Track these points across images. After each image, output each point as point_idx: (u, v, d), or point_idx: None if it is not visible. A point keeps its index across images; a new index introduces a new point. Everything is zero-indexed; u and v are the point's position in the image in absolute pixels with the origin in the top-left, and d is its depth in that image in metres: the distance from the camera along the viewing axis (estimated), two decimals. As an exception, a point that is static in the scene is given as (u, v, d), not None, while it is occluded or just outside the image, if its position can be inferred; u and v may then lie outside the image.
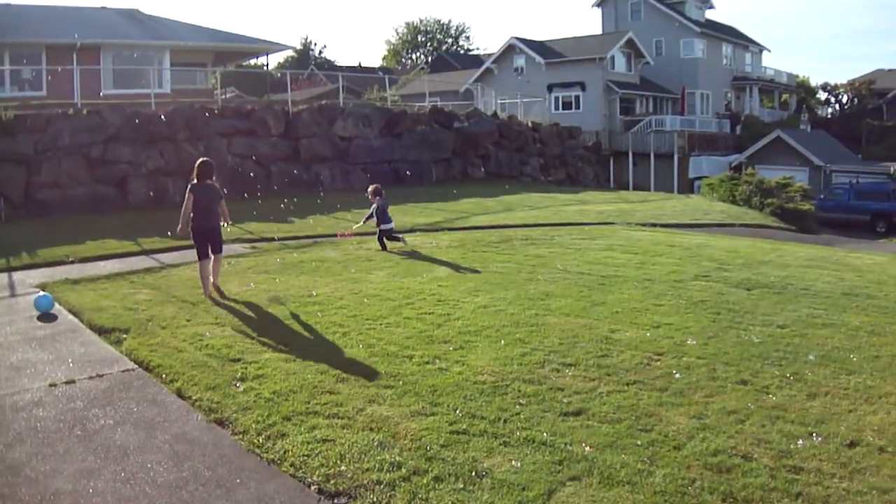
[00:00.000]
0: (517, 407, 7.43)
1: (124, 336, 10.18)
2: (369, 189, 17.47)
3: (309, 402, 7.54)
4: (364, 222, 17.58)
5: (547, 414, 7.26)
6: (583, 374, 8.35)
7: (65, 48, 32.96)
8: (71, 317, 11.47)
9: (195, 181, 12.64)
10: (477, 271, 13.96)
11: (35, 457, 6.60)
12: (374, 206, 16.87)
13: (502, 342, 9.46)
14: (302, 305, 11.57)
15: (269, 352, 9.27)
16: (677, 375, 8.29)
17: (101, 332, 10.49)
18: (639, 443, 6.58)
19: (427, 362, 8.74)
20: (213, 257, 12.77)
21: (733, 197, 32.11)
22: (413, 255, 15.91)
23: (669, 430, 6.84)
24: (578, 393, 7.81)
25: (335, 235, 18.81)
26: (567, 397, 7.69)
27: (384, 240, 16.81)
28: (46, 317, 11.53)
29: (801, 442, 6.59)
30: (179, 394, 7.99)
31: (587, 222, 22.00)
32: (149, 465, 6.38)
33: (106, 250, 17.24)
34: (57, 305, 12.08)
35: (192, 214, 12.60)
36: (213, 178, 12.89)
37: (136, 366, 8.99)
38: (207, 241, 12.70)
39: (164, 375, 8.54)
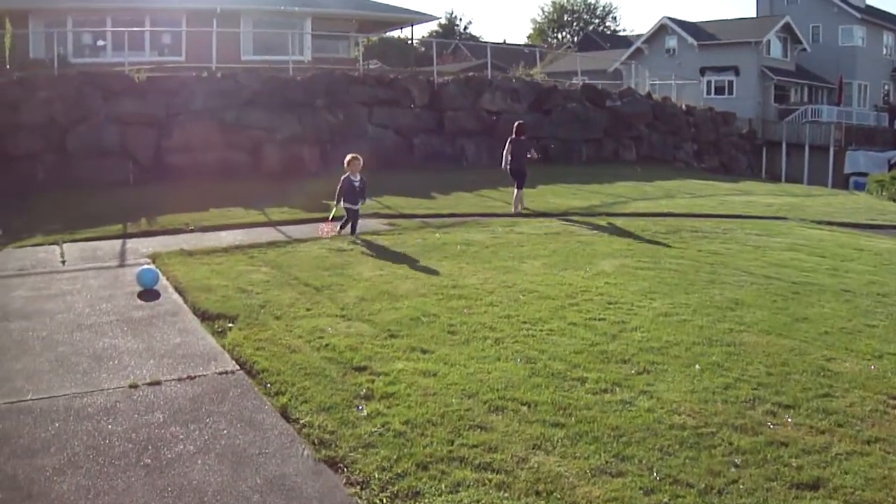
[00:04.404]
0: (732, 470, 5.40)
1: (230, 325, 8.50)
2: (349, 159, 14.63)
3: (453, 442, 5.61)
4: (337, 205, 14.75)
5: (773, 483, 5.22)
6: (807, 423, 6.25)
7: (205, 13, 32.14)
8: (175, 296, 9.90)
9: (513, 136, 18.40)
10: (648, 267, 11.86)
11: (86, 494, 4.92)
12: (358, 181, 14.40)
13: (696, 367, 7.38)
14: (445, 299, 9.65)
15: (404, 359, 7.37)
16: (928, 431, 6.13)
17: (205, 317, 8.84)
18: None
19: (605, 390, 6.72)
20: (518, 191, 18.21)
21: (907, 197, 29.14)
22: (571, 242, 13.89)
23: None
24: (808, 452, 5.72)
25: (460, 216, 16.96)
26: (795, 458, 5.61)
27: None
28: (148, 294, 10.03)
29: None
30: (284, 413, 6.16)
31: (757, 215, 19.63)
32: (229, 527, 4.59)
33: (230, 219, 15.87)
34: (163, 280, 10.60)
35: (510, 158, 18.22)
36: (525, 135, 18.69)
37: (237, 367, 7.23)
38: (519, 177, 18.28)
39: (268, 385, 6.73)
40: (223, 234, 14.55)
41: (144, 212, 16.28)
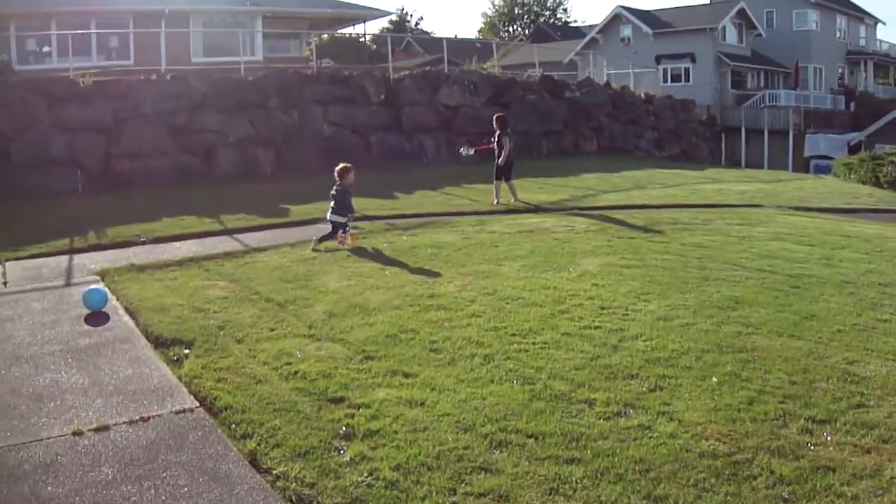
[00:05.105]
0: (782, 506, 4.68)
1: (186, 351, 7.60)
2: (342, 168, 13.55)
3: (455, 491, 4.78)
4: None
5: (832, 520, 4.51)
6: (849, 441, 5.54)
7: (153, 15, 31.28)
8: (126, 318, 8.99)
9: (502, 131, 17.88)
10: (634, 265, 11.09)
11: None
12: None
13: (713, 379, 6.61)
14: (423, 311, 8.79)
15: (385, 386, 6.52)
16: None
17: (159, 343, 7.94)
18: None
19: (618, 413, 5.93)
20: (510, 182, 18.09)
21: (876, 178, 28.66)
22: (547, 240, 13.10)
23: None
24: (859, 477, 5.02)
25: (445, 214, 16.14)
26: (847, 486, 4.92)
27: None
28: (96, 317, 9.10)
29: None
30: (254, 461, 5.30)
31: (732, 204, 19.01)
32: None
33: (184, 228, 14.91)
34: (113, 301, 9.68)
35: (508, 150, 17.72)
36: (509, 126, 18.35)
37: (196, 403, 6.34)
38: (510, 170, 18.00)
39: (233, 425, 5.85)
40: (177, 244, 13.64)
41: (94, 224, 15.31)
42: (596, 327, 8.09)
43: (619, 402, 6.15)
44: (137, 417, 6.10)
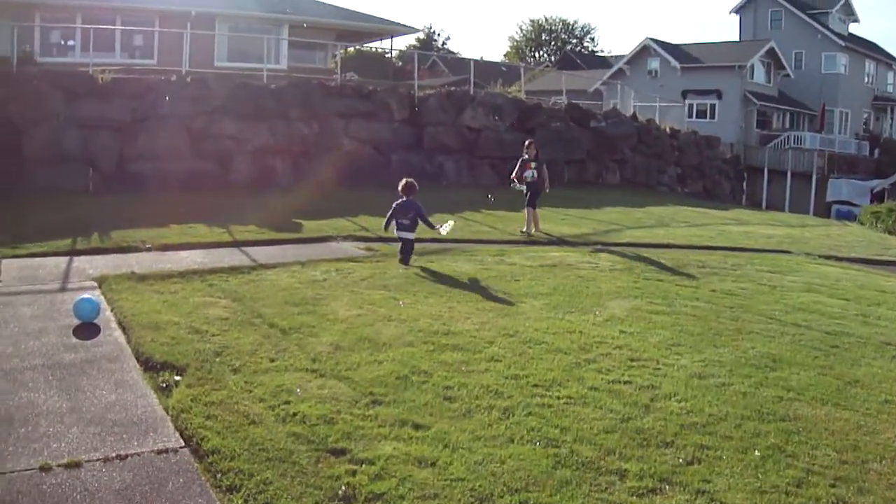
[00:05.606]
0: None
1: (178, 378, 6.95)
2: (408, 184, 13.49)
3: (469, 583, 4.16)
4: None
5: None
6: (910, 536, 4.89)
7: (179, 16, 31.08)
8: (118, 333, 8.38)
9: (535, 157, 17.29)
10: (663, 311, 10.40)
11: None
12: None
13: (756, 453, 5.92)
14: (437, 350, 8.09)
15: (392, 438, 5.82)
16: None
17: (149, 366, 7.30)
18: None
19: (652, 490, 5.22)
20: (534, 211, 17.38)
21: (906, 230, 28.07)
22: (570, 277, 12.43)
23: None
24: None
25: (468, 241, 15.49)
26: None
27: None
28: (86, 329, 8.50)
29: None
30: (240, 521, 4.68)
31: (760, 248, 18.30)
32: None
33: (191, 237, 14.35)
34: (106, 312, 9.10)
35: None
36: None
37: (181, 442, 5.67)
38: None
39: (219, 474, 5.17)
40: (183, 254, 13.08)
41: (100, 225, 14.83)
42: (626, 382, 7.39)
43: (654, 475, 5.46)
44: (114, 455, 5.44)
